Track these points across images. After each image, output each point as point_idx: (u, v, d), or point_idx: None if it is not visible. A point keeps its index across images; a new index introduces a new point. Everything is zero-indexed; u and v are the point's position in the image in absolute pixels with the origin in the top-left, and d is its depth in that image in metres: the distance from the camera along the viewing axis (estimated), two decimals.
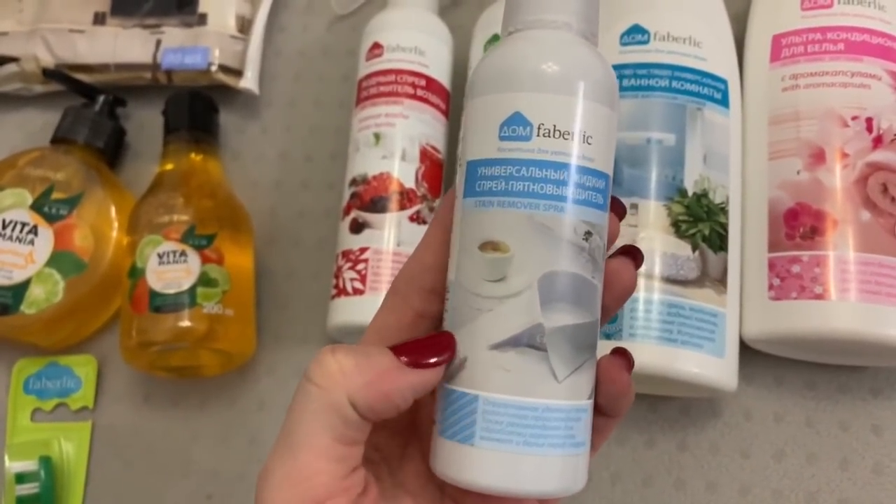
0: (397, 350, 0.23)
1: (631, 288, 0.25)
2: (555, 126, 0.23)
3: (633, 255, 0.26)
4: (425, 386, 0.23)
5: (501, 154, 0.23)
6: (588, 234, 0.23)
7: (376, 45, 0.46)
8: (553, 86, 0.23)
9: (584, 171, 0.23)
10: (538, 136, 0.23)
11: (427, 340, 0.24)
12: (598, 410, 0.25)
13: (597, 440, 0.25)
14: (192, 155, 0.49)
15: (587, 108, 0.23)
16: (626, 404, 0.25)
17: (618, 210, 0.25)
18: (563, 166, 0.23)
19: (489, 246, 0.23)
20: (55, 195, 0.48)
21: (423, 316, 0.25)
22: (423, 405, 0.26)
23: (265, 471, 0.23)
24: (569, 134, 0.23)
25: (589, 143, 0.23)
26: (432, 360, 0.23)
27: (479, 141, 0.24)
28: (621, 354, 0.25)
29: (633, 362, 0.25)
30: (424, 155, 0.45)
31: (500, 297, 0.23)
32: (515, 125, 0.23)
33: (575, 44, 0.24)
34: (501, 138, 0.23)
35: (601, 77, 0.24)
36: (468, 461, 0.23)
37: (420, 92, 0.45)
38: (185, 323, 0.43)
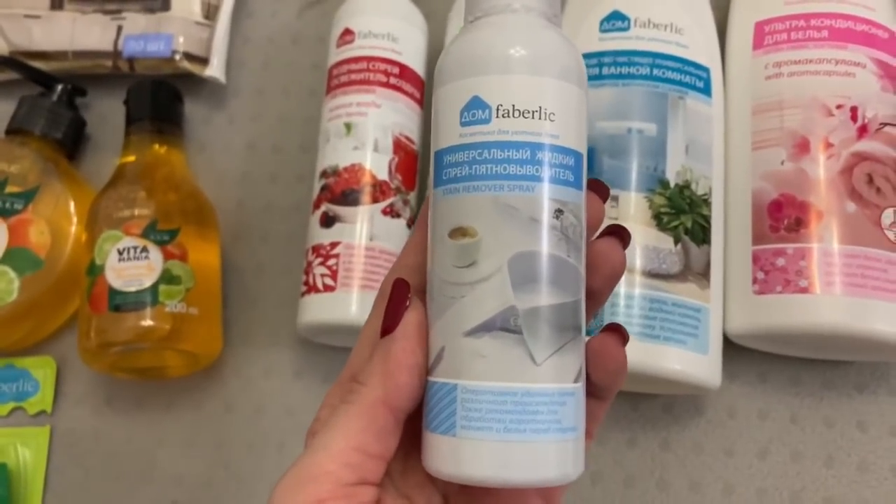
0: (380, 332, 0.24)
1: (620, 269, 0.25)
2: (514, 106, 0.23)
3: (619, 234, 0.25)
4: (410, 341, 0.23)
5: (463, 139, 0.23)
6: (559, 211, 0.23)
7: (347, 32, 0.45)
8: (509, 67, 0.23)
9: (549, 148, 0.23)
10: (497, 117, 0.23)
11: (388, 301, 0.24)
12: (591, 392, 0.24)
13: (591, 426, 0.25)
14: (156, 146, 0.47)
15: (548, 86, 0.23)
16: (620, 383, 0.25)
17: (600, 191, 0.25)
18: (525, 145, 0.23)
19: (458, 232, 0.23)
20: (9, 189, 0.46)
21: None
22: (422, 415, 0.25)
23: (285, 472, 0.23)
24: (528, 112, 0.23)
25: (552, 120, 0.23)
26: (398, 312, 0.24)
27: (444, 129, 0.24)
28: (615, 330, 0.24)
29: (628, 337, 0.25)
30: (398, 146, 0.43)
31: (472, 282, 0.23)
32: (475, 109, 0.23)
33: (532, 25, 0.24)
34: (462, 124, 0.23)
35: (562, 55, 0.24)
36: (453, 453, 0.23)
37: (393, 80, 0.44)
38: (147, 322, 0.41)
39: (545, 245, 0.23)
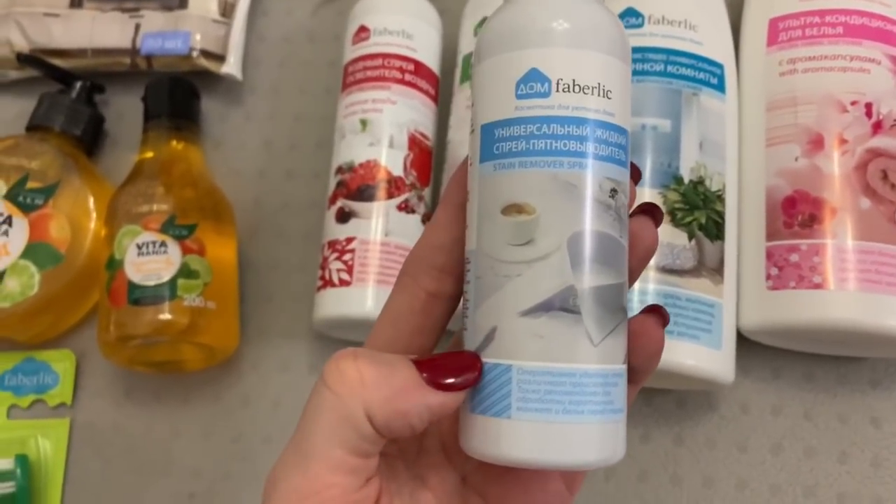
0: (420, 366, 0.22)
1: (653, 248, 0.24)
2: (574, 81, 0.22)
3: (652, 213, 0.25)
4: (444, 409, 0.22)
5: (520, 113, 0.22)
6: (613, 191, 0.22)
7: (363, 29, 0.45)
8: (568, 40, 0.22)
9: (605, 125, 0.22)
10: (557, 91, 0.22)
11: (452, 357, 0.23)
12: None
13: None
14: (173, 143, 0.47)
15: (604, 62, 0.22)
16: (655, 365, 0.25)
17: (634, 173, 0.24)
18: (585, 121, 0.22)
19: (513, 209, 0.22)
20: (30, 184, 0.46)
21: (435, 296, 0.25)
22: None
23: (273, 479, 0.22)
24: (588, 88, 0.22)
25: (609, 98, 0.22)
26: (455, 382, 0.22)
27: (494, 102, 0.23)
28: (656, 311, 0.24)
29: (669, 318, 0.25)
30: (413, 142, 0.43)
31: (528, 260, 0.22)
32: (533, 82, 0.22)
33: (586, 0, 0.23)
34: (518, 97, 0.22)
35: (614, 31, 0.23)
36: (506, 435, 0.22)
37: (408, 77, 0.44)
38: (166, 316, 0.41)
39: (602, 224, 0.22)
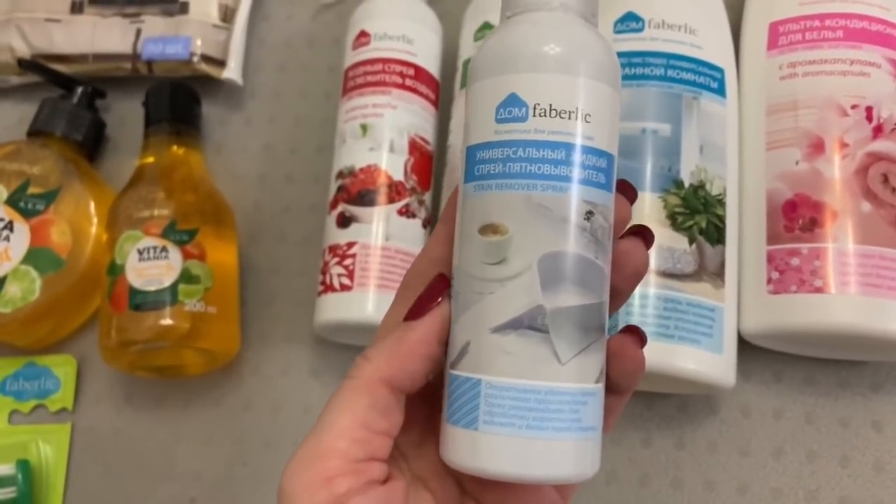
0: (405, 316, 0.24)
1: (643, 269, 0.25)
2: (551, 105, 0.23)
3: (642, 234, 0.25)
4: (430, 334, 0.24)
5: (498, 136, 0.23)
6: (589, 213, 0.23)
7: (363, 34, 0.45)
8: (548, 65, 0.23)
9: (583, 149, 0.23)
10: (534, 116, 0.23)
11: (423, 291, 0.24)
12: (609, 389, 0.25)
13: (608, 419, 0.25)
14: (174, 148, 0.47)
15: (585, 87, 0.23)
16: (637, 382, 0.25)
17: (628, 193, 0.25)
18: (561, 145, 0.23)
19: (488, 229, 0.23)
20: (31, 190, 0.46)
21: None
22: (438, 399, 0.26)
23: (291, 456, 0.23)
24: (566, 113, 0.23)
25: (588, 122, 0.23)
26: (428, 304, 0.24)
27: (478, 125, 0.24)
28: (633, 332, 0.25)
29: (646, 339, 0.25)
30: (413, 146, 0.44)
31: (501, 279, 0.23)
32: (511, 106, 0.23)
33: (570, 24, 0.24)
34: (498, 120, 0.23)
35: (599, 56, 0.24)
36: (473, 447, 0.23)
37: (408, 81, 0.44)
38: (167, 321, 0.42)
39: (575, 246, 0.23)
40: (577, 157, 0.23)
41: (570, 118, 0.23)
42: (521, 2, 0.24)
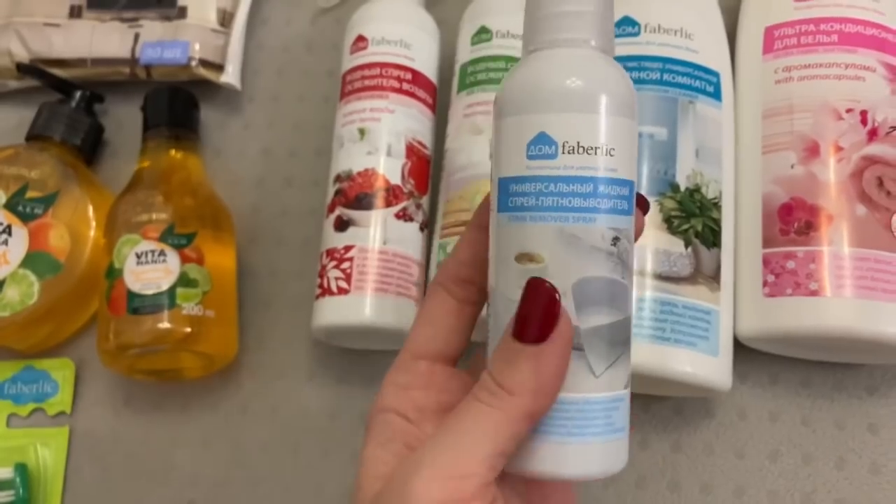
0: (525, 337, 0.24)
1: (639, 235, 0.27)
2: (578, 143, 0.24)
3: (640, 204, 0.27)
4: (563, 353, 0.24)
5: (530, 171, 0.25)
6: (616, 239, 0.25)
7: (361, 38, 0.45)
8: (574, 104, 0.25)
9: (608, 181, 0.25)
10: (563, 153, 0.24)
11: (537, 310, 0.24)
12: None
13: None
14: (172, 152, 0.48)
15: (608, 123, 0.25)
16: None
17: (643, 205, 0.27)
18: (588, 180, 0.25)
19: (525, 258, 0.25)
20: (30, 194, 0.46)
21: (463, 302, 0.28)
22: None
23: (418, 463, 0.24)
24: (592, 149, 0.24)
25: (612, 156, 0.25)
26: (551, 324, 0.24)
27: (509, 159, 0.25)
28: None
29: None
30: (411, 150, 0.44)
31: None
32: (542, 144, 0.25)
33: (593, 60, 0.25)
34: (529, 157, 0.25)
35: (620, 90, 0.25)
36: (522, 452, 0.25)
37: (406, 86, 0.44)
38: (165, 325, 0.42)
39: (605, 271, 0.25)
40: (603, 188, 0.25)
41: (596, 154, 0.24)
42: (542, 38, 0.26)
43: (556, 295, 0.24)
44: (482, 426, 0.24)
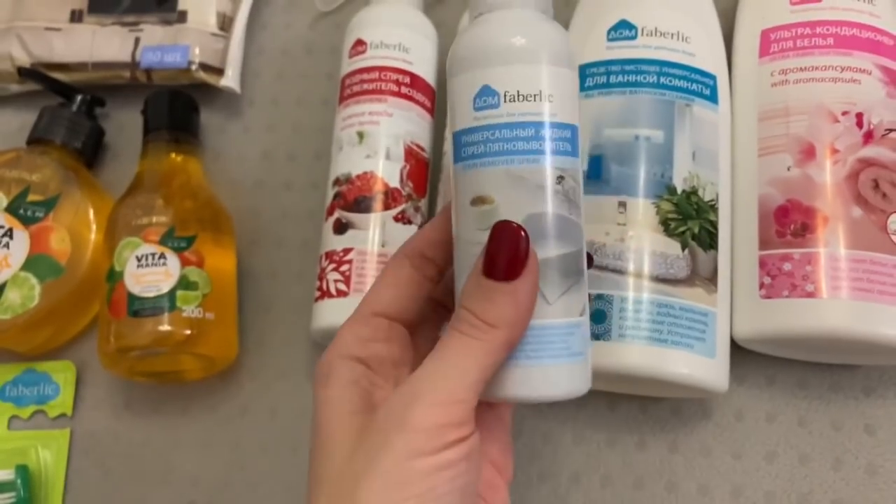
0: (495, 274, 0.27)
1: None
2: (518, 92, 0.27)
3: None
4: (534, 287, 0.27)
5: (477, 122, 0.27)
6: (560, 178, 0.27)
7: (359, 42, 0.46)
8: (513, 57, 0.27)
9: (549, 126, 0.27)
10: (505, 102, 0.27)
11: (508, 249, 0.26)
12: None
13: None
14: (172, 155, 0.48)
15: (546, 72, 0.27)
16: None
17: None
18: (530, 125, 0.27)
19: (478, 200, 0.27)
20: (31, 197, 0.47)
21: (424, 277, 0.30)
22: None
23: (414, 393, 0.26)
24: (531, 96, 0.27)
25: (550, 101, 0.27)
26: (522, 261, 0.27)
27: (460, 114, 0.28)
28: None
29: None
30: (409, 154, 0.44)
31: None
32: (486, 96, 0.27)
33: (529, 19, 0.28)
34: (476, 109, 0.27)
35: (555, 42, 0.28)
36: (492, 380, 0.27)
37: (404, 89, 0.45)
38: (165, 327, 0.42)
39: (551, 207, 0.27)
40: (546, 132, 0.27)
41: (535, 100, 0.27)
42: (485, 3, 0.28)
43: (523, 233, 0.26)
44: (469, 356, 0.26)
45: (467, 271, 0.27)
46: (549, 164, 0.27)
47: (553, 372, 0.27)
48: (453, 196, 0.28)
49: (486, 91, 0.27)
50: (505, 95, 0.27)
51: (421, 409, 0.25)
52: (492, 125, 0.27)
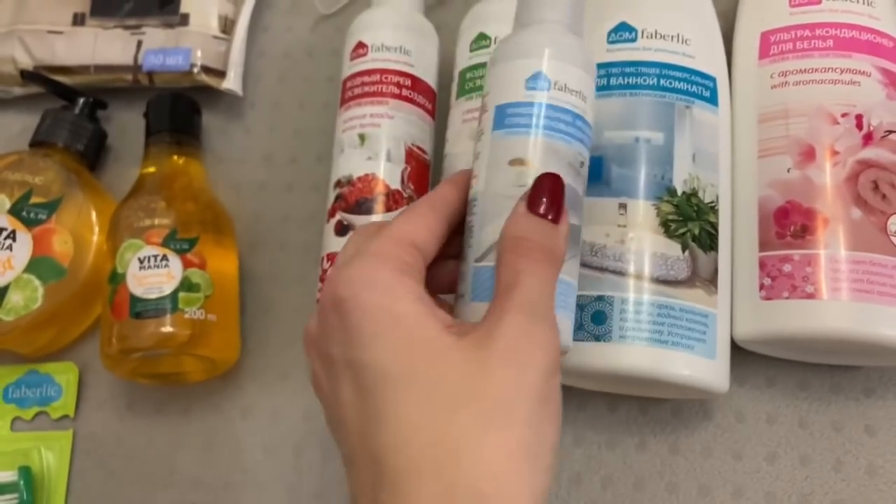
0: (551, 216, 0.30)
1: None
2: (566, 84, 0.32)
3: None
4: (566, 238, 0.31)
5: (527, 98, 0.32)
6: (581, 163, 0.32)
7: (360, 45, 0.46)
8: (567, 57, 0.32)
9: (581, 118, 0.32)
10: (555, 89, 0.32)
11: (555, 197, 0.30)
12: None
13: None
14: (174, 157, 0.48)
15: (582, 76, 0.33)
16: None
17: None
18: (569, 111, 0.32)
19: (517, 161, 0.31)
20: (34, 200, 0.47)
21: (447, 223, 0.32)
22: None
23: (521, 304, 0.28)
24: (573, 91, 0.32)
25: (584, 100, 0.32)
26: (561, 207, 0.30)
27: (508, 90, 0.32)
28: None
29: None
30: (410, 156, 0.44)
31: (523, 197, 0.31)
32: (539, 80, 0.32)
33: (563, 32, 0.33)
34: (527, 88, 0.32)
35: (588, 55, 0.33)
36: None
37: (405, 92, 0.45)
38: (167, 329, 0.42)
39: (573, 182, 0.31)
40: (578, 122, 0.32)
41: (575, 95, 0.32)
42: (534, 15, 0.33)
43: (563, 184, 0.30)
44: (546, 276, 0.29)
45: (494, 221, 0.30)
46: (577, 149, 0.32)
47: (559, 321, 0.30)
48: (483, 159, 0.32)
49: (539, 76, 0.32)
50: (555, 84, 0.32)
51: (550, 326, 0.28)
52: (541, 103, 0.32)
